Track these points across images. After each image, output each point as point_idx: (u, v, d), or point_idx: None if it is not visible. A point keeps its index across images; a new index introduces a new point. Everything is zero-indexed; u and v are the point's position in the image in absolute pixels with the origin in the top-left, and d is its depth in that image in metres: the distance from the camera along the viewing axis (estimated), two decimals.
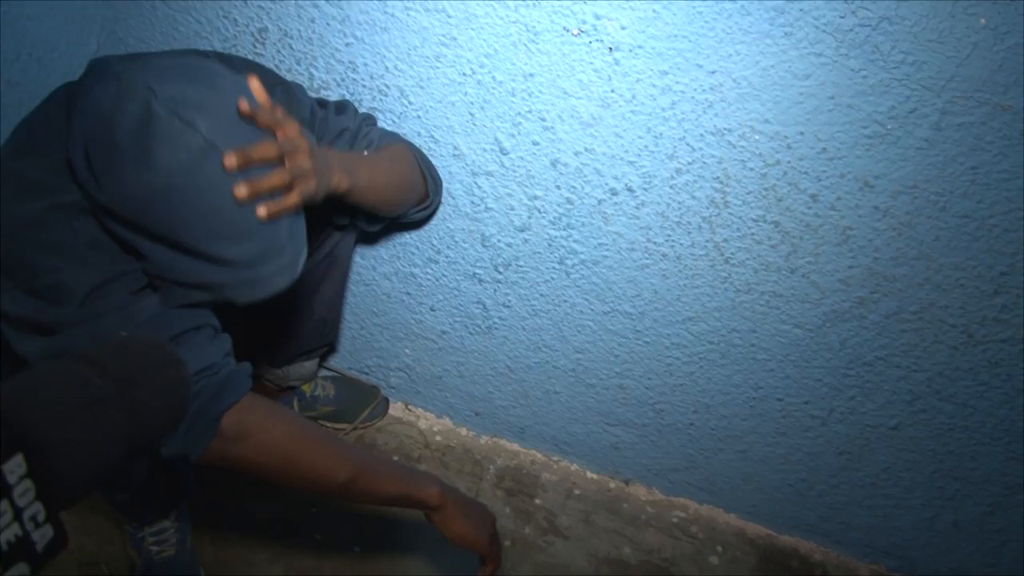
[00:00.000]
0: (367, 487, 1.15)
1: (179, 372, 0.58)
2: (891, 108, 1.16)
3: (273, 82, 1.23)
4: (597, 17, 1.21)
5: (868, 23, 1.10)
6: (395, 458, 1.83)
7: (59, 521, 0.51)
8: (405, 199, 1.37)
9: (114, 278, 1.00)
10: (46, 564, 0.49)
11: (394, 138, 1.38)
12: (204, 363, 1.02)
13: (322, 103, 1.32)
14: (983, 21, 1.06)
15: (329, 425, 1.86)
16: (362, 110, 1.46)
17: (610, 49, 1.24)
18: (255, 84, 0.98)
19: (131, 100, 0.89)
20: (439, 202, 1.52)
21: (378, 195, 1.25)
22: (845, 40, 1.12)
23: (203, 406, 1.01)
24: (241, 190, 0.92)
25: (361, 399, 1.87)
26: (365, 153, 1.30)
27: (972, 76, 1.11)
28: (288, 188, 0.98)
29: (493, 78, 1.34)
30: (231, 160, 0.90)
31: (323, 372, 1.91)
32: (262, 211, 0.95)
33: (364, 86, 1.44)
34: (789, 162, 1.26)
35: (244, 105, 0.93)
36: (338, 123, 1.30)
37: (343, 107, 1.34)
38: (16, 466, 0.47)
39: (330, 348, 1.85)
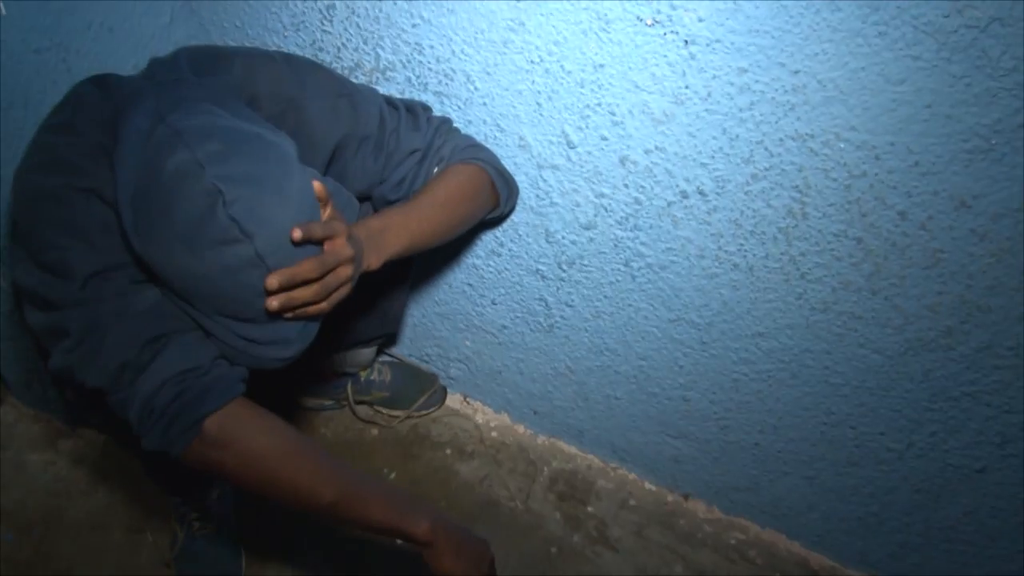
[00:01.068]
0: (353, 512, 1.10)
1: None
2: (997, 121, 1.03)
3: (338, 92, 1.20)
4: (673, 7, 1.12)
5: (976, 24, 0.98)
6: (447, 451, 1.79)
7: None
8: (461, 230, 1.33)
9: (119, 266, 0.99)
10: None
11: (468, 152, 1.32)
12: (190, 364, 1.00)
13: (392, 104, 1.28)
14: None
15: (384, 411, 1.83)
16: (428, 94, 1.41)
17: (685, 42, 1.14)
18: (319, 188, 0.97)
19: (196, 188, 0.88)
20: (513, 207, 1.47)
21: (425, 243, 1.23)
22: (947, 43, 1.00)
23: (185, 406, 0.99)
24: (273, 304, 0.93)
25: (417, 386, 1.83)
26: (429, 178, 1.28)
27: None
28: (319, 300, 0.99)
29: (562, 67, 1.26)
30: (273, 283, 0.91)
31: (381, 357, 1.89)
32: (288, 314, 0.98)
33: (430, 69, 1.38)
34: (877, 175, 1.14)
35: (297, 234, 0.92)
36: (409, 142, 1.27)
37: (415, 115, 1.29)
38: None
39: (390, 338, 1.81)
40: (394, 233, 1.16)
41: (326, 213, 1.00)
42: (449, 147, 1.30)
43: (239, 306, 0.95)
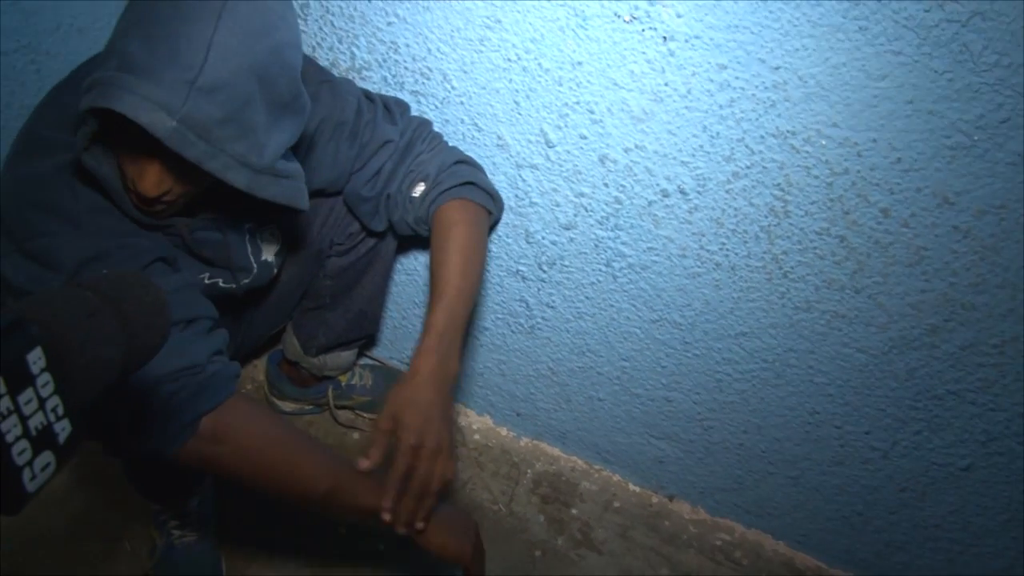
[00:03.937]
0: (347, 500, 1.09)
1: (157, 295, 0.64)
2: (979, 117, 1.02)
3: (320, 79, 1.20)
4: (651, 3, 1.10)
5: (957, 18, 0.97)
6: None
7: (75, 417, 0.54)
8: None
9: (108, 252, 0.96)
10: (66, 458, 0.53)
11: (454, 176, 1.29)
12: (186, 362, 0.98)
13: (370, 97, 1.28)
14: None
15: (365, 416, 1.80)
16: (404, 93, 1.38)
17: (664, 38, 1.12)
18: None
19: None
20: (498, 219, 1.45)
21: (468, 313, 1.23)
22: (929, 37, 0.99)
23: (181, 404, 0.97)
24: None
25: None
26: (408, 184, 1.29)
27: None
28: None
29: (539, 65, 1.24)
30: None
31: (362, 360, 1.86)
32: None
33: (406, 68, 1.36)
34: (859, 171, 1.13)
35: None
36: (383, 133, 1.26)
37: (390, 111, 1.29)
38: (37, 358, 0.50)
39: (369, 340, 1.79)
40: (453, 344, 1.16)
41: None
42: (435, 164, 1.28)
43: None
